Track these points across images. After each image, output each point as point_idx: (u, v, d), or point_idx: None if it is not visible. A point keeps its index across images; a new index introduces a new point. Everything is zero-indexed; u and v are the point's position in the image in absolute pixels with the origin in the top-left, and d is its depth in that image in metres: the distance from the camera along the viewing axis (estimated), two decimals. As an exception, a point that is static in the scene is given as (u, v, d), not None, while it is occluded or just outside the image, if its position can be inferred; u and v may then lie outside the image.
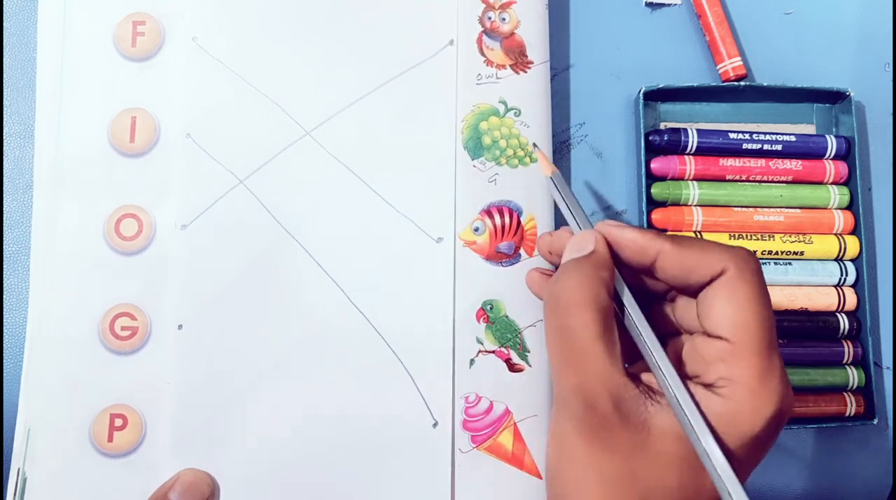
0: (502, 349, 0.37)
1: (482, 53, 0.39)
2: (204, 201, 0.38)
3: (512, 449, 0.36)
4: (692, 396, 0.27)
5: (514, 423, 0.37)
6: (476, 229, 0.38)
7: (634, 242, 0.29)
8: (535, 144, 0.37)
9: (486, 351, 0.37)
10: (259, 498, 0.36)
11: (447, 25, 0.39)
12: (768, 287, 0.39)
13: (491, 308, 0.37)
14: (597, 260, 0.29)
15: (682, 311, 0.30)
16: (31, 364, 0.36)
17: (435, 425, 0.36)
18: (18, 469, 0.35)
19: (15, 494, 0.35)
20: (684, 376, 0.28)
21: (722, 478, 0.25)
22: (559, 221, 0.39)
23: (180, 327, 0.37)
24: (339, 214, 0.38)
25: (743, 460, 0.26)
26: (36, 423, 0.36)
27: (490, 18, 0.39)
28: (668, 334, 0.31)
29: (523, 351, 0.37)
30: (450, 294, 0.37)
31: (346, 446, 0.36)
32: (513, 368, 0.37)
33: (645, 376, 0.29)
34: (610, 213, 0.41)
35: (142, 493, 0.35)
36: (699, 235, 0.39)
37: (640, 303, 0.29)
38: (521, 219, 0.38)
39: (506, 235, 0.38)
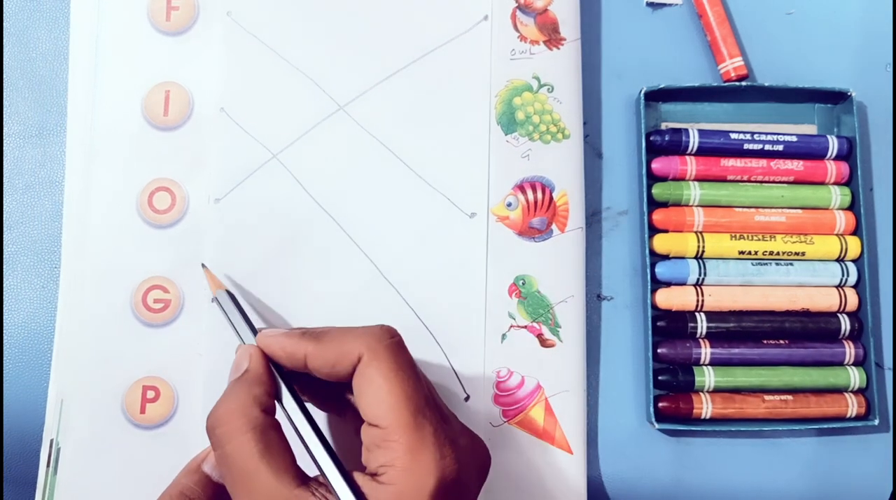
0: (534, 324, 0.38)
1: (516, 29, 0.39)
2: (237, 175, 0.38)
3: (543, 424, 0.37)
4: (355, 491, 0.27)
5: (546, 398, 0.37)
6: (509, 205, 0.38)
7: (283, 350, 0.30)
8: (203, 264, 0.37)
9: (518, 326, 0.38)
10: None
11: (481, 1, 0.40)
12: (769, 288, 0.39)
13: (523, 283, 0.38)
14: (250, 378, 0.29)
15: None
16: (63, 336, 0.37)
17: (467, 399, 0.37)
18: (52, 440, 0.36)
19: (48, 464, 0.36)
20: (361, 470, 0.28)
21: None
22: (590, 197, 0.40)
23: (214, 300, 0.37)
24: (371, 188, 0.38)
25: None
26: (69, 394, 0.36)
27: None
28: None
29: (555, 326, 0.38)
30: (482, 269, 0.38)
31: None
32: (544, 343, 0.38)
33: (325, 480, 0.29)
34: (610, 213, 0.41)
35: (174, 464, 0.35)
36: (700, 236, 0.39)
37: (322, 402, 0.30)
38: (554, 194, 0.38)
39: (538, 211, 0.38)
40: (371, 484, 0.27)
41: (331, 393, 0.32)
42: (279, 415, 0.30)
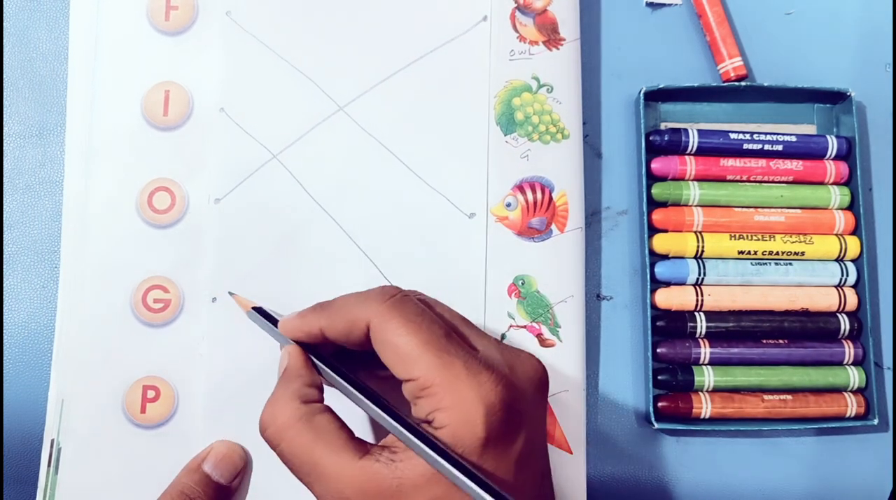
0: (534, 324, 0.38)
1: (515, 29, 0.39)
2: (237, 176, 0.38)
3: None
4: (418, 431, 0.27)
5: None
6: (508, 205, 0.38)
7: (301, 331, 0.31)
8: (230, 292, 0.37)
9: (518, 326, 0.38)
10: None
11: (480, 1, 0.40)
12: (768, 287, 0.39)
13: (522, 283, 0.38)
14: (287, 375, 0.30)
15: None
16: (63, 336, 0.37)
17: None
18: (52, 440, 0.36)
19: (49, 464, 0.36)
20: (417, 423, 0.28)
21: (475, 496, 0.26)
22: (590, 197, 0.40)
23: (214, 300, 0.37)
24: (371, 189, 0.38)
25: (497, 463, 0.27)
26: (70, 394, 0.36)
27: None
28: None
29: (554, 326, 0.38)
30: (481, 269, 0.38)
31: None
32: (544, 343, 0.38)
33: (388, 440, 0.29)
34: (610, 213, 0.41)
35: (175, 464, 0.35)
36: (700, 236, 0.39)
37: (364, 370, 0.30)
38: (553, 195, 0.38)
39: (538, 211, 0.38)
40: (428, 431, 0.27)
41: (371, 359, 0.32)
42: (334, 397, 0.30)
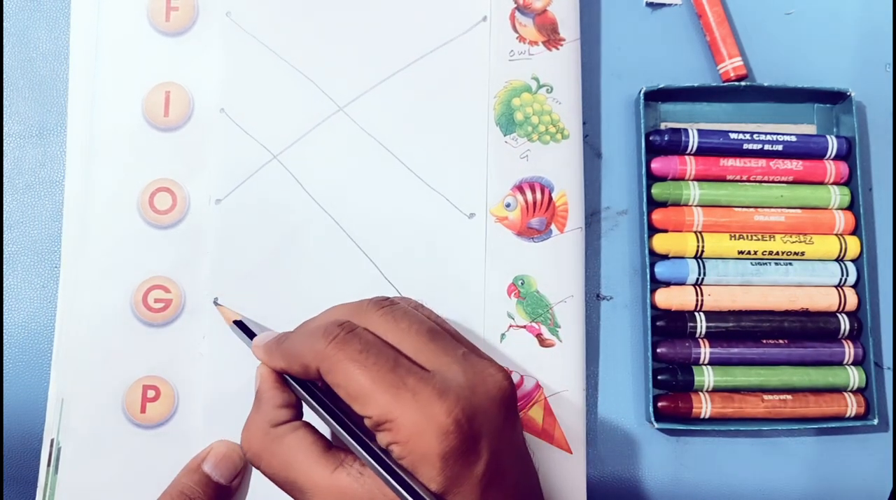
0: (533, 324, 0.38)
1: (515, 30, 0.40)
2: (238, 176, 0.38)
3: (542, 424, 0.37)
4: (379, 457, 0.28)
5: (545, 398, 0.37)
6: (508, 205, 0.38)
7: (267, 364, 0.31)
8: (215, 301, 0.37)
9: (517, 326, 0.38)
10: None
11: (480, 2, 0.40)
12: (768, 287, 0.39)
13: (522, 283, 0.38)
14: (259, 398, 0.31)
15: None
16: (63, 336, 0.37)
17: None
18: (52, 440, 0.36)
19: (49, 464, 0.36)
20: (381, 449, 0.28)
21: None
22: (590, 197, 0.40)
23: (216, 300, 0.37)
24: (371, 189, 0.38)
25: (456, 486, 0.27)
26: (69, 394, 0.36)
27: None
28: None
29: (554, 326, 0.38)
30: (481, 269, 0.38)
31: None
32: (543, 343, 0.38)
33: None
34: (610, 213, 0.41)
35: (175, 464, 0.35)
36: (700, 236, 0.39)
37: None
38: (553, 195, 0.39)
39: (537, 211, 0.38)
40: (390, 459, 0.28)
41: None
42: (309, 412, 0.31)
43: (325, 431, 0.31)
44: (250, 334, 0.34)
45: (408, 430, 0.27)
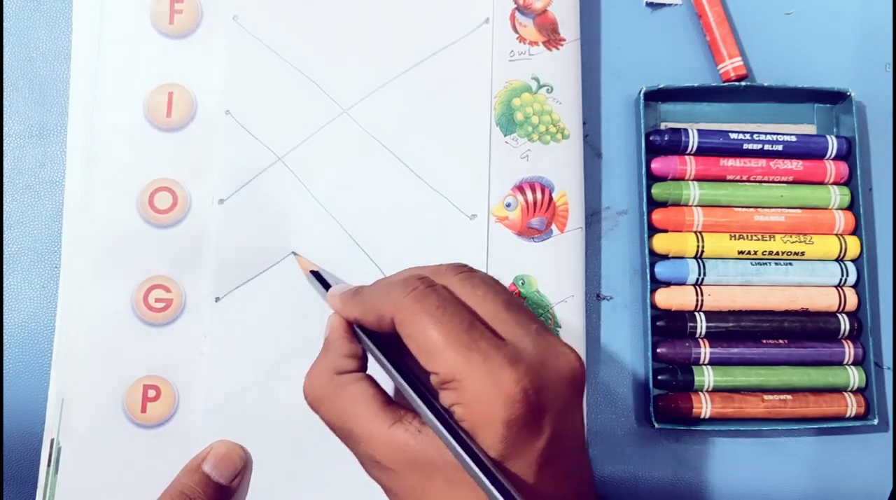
0: None
1: (515, 30, 0.40)
2: (242, 176, 0.38)
3: None
4: (442, 416, 0.27)
5: None
6: (508, 205, 0.38)
7: (342, 313, 0.32)
8: (293, 252, 0.38)
9: None
10: (291, 471, 0.36)
11: (483, 3, 0.40)
12: (768, 287, 0.39)
13: (522, 284, 0.38)
14: (327, 345, 0.32)
15: None
16: (63, 336, 0.37)
17: None
18: (52, 440, 0.36)
19: (49, 464, 0.36)
20: (443, 408, 0.28)
21: (482, 487, 0.26)
22: (590, 197, 0.40)
23: (217, 299, 0.37)
24: (374, 190, 0.39)
25: (515, 460, 0.27)
26: (69, 394, 0.36)
27: None
28: None
29: (554, 326, 0.38)
30: (482, 270, 0.38)
31: None
32: None
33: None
34: (610, 213, 0.41)
35: (175, 464, 0.35)
36: (700, 236, 0.39)
37: (403, 350, 0.30)
38: (553, 195, 0.39)
39: (538, 211, 0.38)
40: (452, 420, 0.28)
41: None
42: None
43: (388, 389, 0.31)
44: (325, 285, 0.34)
45: (474, 392, 0.26)
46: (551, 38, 0.40)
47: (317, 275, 0.35)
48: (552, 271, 0.38)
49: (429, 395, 0.28)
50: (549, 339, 0.29)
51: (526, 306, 0.31)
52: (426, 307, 0.28)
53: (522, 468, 0.27)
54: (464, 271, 0.30)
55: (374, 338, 0.31)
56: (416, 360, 0.28)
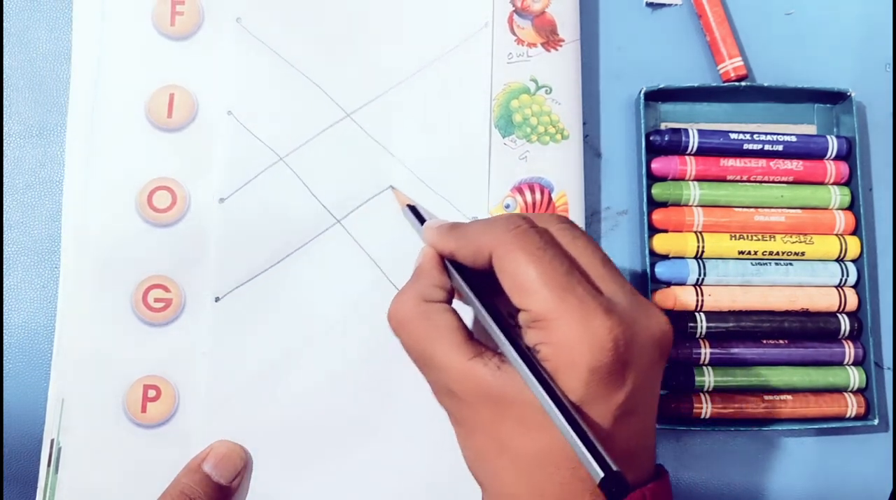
0: None
1: (513, 32, 0.40)
2: (243, 176, 0.38)
3: None
4: (525, 354, 0.27)
5: None
6: (507, 206, 0.39)
7: (436, 245, 0.32)
8: (391, 187, 0.38)
9: None
10: (291, 471, 0.36)
11: (482, 8, 0.40)
12: (768, 287, 0.39)
13: None
14: (418, 273, 0.32)
15: None
16: (63, 336, 0.37)
17: None
18: (52, 440, 0.36)
19: (49, 464, 0.36)
20: (527, 347, 0.29)
21: (560, 427, 0.26)
22: (590, 197, 0.40)
23: (217, 299, 0.37)
24: (376, 193, 0.39)
25: (591, 408, 0.27)
26: (69, 394, 0.36)
27: None
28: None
29: None
30: None
31: (380, 419, 0.37)
32: None
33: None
34: (610, 213, 0.41)
35: (175, 463, 0.35)
36: (700, 236, 0.39)
37: (493, 287, 0.31)
38: (553, 195, 0.39)
39: (537, 212, 0.38)
40: (535, 359, 0.28)
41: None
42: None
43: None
44: (420, 220, 0.34)
45: (563, 333, 0.27)
46: (550, 38, 0.40)
47: (413, 209, 0.36)
48: None
49: (513, 332, 0.28)
50: (643, 299, 0.29)
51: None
52: (527, 245, 0.28)
53: (597, 417, 0.27)
54: (565, 221, 0.31)
55: (463, 273, 0.31)
56: (503, 300, 0.29)
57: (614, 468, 0.25)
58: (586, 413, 0.27)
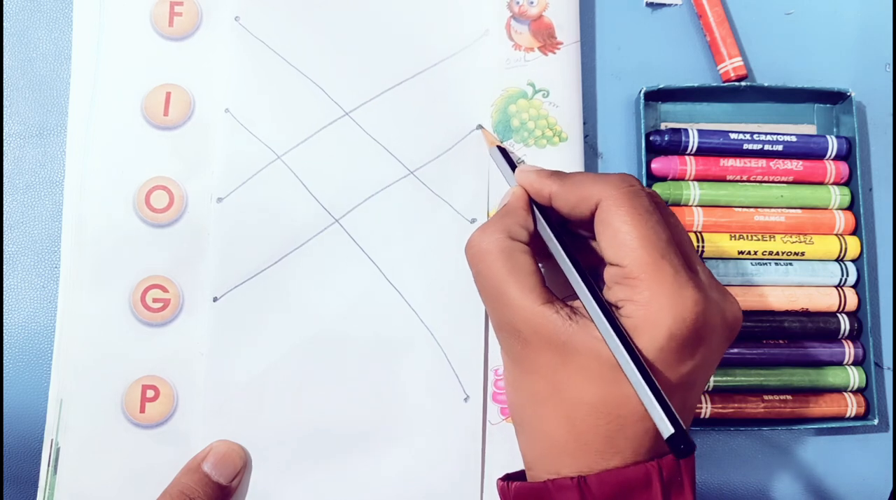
0: None
1: (510, 38, 0.40)
2: (241, 175, 0.38)
3: None
4: (606, 309, 0.28)
5: None
6: None
7: (532, 186, 0.32)
8: (480, 125, 0.39)
9: None
10: (290, 471, 0.36)
11: (482, 14, 0.40)
12: (768, 287, 0.39)
13: None
14: (504, 211, 0.32)
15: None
16: (62, 336, 0.37)
17: (466, 399, 0.37)
18: (52, 440, 0.36)
19: (48, 464, 0.36)
20: (608, 304, 0.29)
21: (635, 382, 0.27)
22: None
23: (215, 299, 0.37)
24: (375, 192, 0.39)
25: (660, 373, 0.28)
26: (68, 394, 0.36)
27: (518, 3, 0.40)
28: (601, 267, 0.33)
29: None
30: None
31: (379, 420, 0.37)
32: None
33: (576, 302, 0.30)
34: (610, 213, 0.41)
35: (174, 463, 0.35)
36: (700, 236, 0.39)
37: (570, 239, 0.31)
38: None
39: None
40: (617, 313, 0.28)
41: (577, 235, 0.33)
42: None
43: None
44: (509, 161, 0.35)
45: (651, 295, 0.27)
46: (547, 42, 0.40)
47: (502, 151, 0.36)
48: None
49: (595, 287, 0.29)
50: (723, 287, 0.31)
51: None
52: (636, 205, 0.29)
53: (661, 382, 0.27)
54: (661, 199, 0.31)
55: (549, 220, 0.32)
56: (582, 256, 0.30)
57: (684, 426, 0.26)
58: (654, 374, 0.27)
